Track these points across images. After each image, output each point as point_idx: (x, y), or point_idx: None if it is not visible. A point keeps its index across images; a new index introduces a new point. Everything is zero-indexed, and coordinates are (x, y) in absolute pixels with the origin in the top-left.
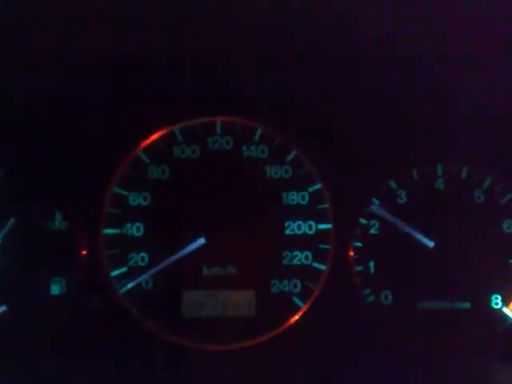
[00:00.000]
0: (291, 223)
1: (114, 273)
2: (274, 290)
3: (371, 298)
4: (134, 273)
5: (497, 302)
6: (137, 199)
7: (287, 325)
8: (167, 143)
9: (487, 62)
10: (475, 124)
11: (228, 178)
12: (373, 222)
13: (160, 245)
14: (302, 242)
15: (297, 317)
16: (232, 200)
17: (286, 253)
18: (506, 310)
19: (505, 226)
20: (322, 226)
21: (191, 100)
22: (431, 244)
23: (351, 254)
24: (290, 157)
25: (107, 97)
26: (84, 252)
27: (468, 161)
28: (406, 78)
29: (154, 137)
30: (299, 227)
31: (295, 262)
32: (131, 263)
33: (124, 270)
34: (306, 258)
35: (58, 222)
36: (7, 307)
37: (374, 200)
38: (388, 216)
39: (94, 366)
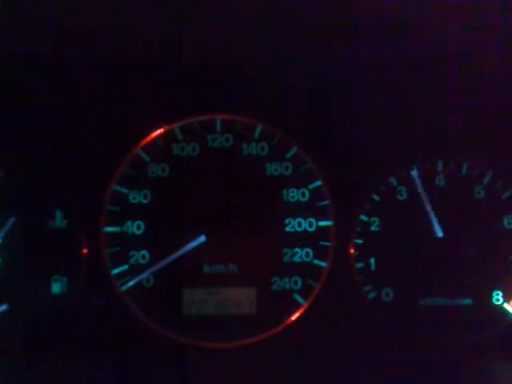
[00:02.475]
0: (291, 220)
1: (115, 271)
2: (274, 287)
3: (372, 295)
4: (134, 271)
5: (498, 298)
6: (137, 197)
7: (288, 322)
8: (167, 141)
9: (487, 57)
10: (475, 120)
11: (228, 176)
12: (373, 218)
13: (160, 242)
14: (303, 239)
15: (298, 314)
16: (232, 197)
17: (287, 250)
18: (507, 306)
19: (505, 221)
20: (323, 223)
21: (191, 98)
22: (440, 234)
23: (352, 250)
24: (290, 154)
25: (107, 95)
26: (85, 250)
27: (468, 157)
28: (406, 74)
29: (154, 135)
30: (299, 224)
31: (296, 259)
32: (132, 261)
33: (125, 268)
34: (307, 255)
35: (59, 221)
36: (8, 306)
37: (375, 196)
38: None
39: (95, 363)
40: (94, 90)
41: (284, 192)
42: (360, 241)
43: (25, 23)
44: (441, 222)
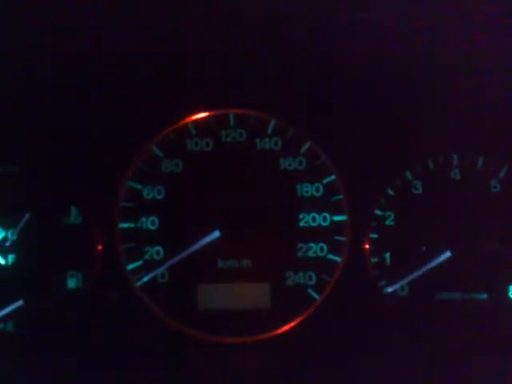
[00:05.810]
0: (306, 215)
1: (130, 266)
2: (289, 282)
3: (387, 290)
4: (149, 266)
5: None
6: (151, 193)
7: (302, 317)
8: (180, 137)
9: (501, 50)
10: (490, 113)
11: (242, 171)
12: (388, 213)
13: (175, 238)
14: (317, 233)
15: (312, 309)
16: (246, 192)
17: (301, 245)
18: None
19: None
20: (337, 218)
21: (204, 93)
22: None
23: (367, 245)
24: (304, 148)
25: (120, 92)
26: (100, 246)
27: (484, 150)
28: (420, 68)
29: (168, 130)
30: (314, 219)
31: (310, 254)
32: (147, 257)
33: (140, 263)
34: (321, 249)
35: (74, 217)
36: (24, 302)
37: (390, 190)
38: None
39: (110, 358)
40: (107, 87)
41: (298, 187)
42: (375, 235)
43: (29, 22)
44: (456, 216)
